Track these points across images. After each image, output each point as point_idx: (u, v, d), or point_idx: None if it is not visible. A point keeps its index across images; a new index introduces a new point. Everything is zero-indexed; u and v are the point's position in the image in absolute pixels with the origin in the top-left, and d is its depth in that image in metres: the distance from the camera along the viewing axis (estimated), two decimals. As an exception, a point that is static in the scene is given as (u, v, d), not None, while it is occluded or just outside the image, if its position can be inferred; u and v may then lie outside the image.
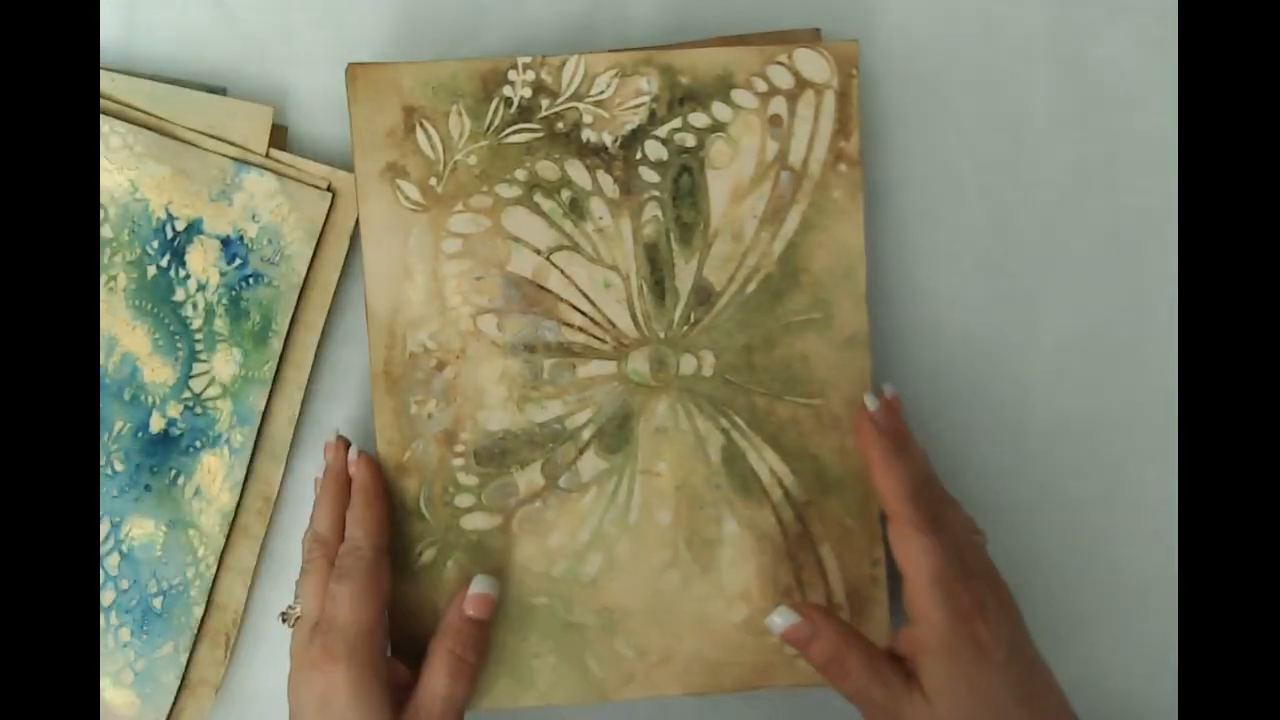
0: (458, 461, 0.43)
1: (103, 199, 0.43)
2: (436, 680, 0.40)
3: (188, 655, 0.44)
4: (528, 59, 0.42)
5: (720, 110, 0.43)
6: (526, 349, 0.43)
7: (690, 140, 0.43)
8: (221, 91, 0.46)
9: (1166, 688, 0.43)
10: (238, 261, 0.44)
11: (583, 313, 0.43)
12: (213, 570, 0.44)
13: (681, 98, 0.43)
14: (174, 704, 0.45)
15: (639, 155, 0.43)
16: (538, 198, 0.43)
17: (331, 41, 0.46)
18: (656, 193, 0.43)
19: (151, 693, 0.45)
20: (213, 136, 0.44)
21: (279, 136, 0.45)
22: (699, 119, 0.43)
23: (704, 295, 0.43)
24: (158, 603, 0.44)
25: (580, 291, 0.43)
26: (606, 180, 0.43)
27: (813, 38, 0.47)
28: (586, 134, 0.43)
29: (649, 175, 0.43)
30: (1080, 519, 0.47)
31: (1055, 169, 0.47)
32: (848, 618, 0.42)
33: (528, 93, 0.42)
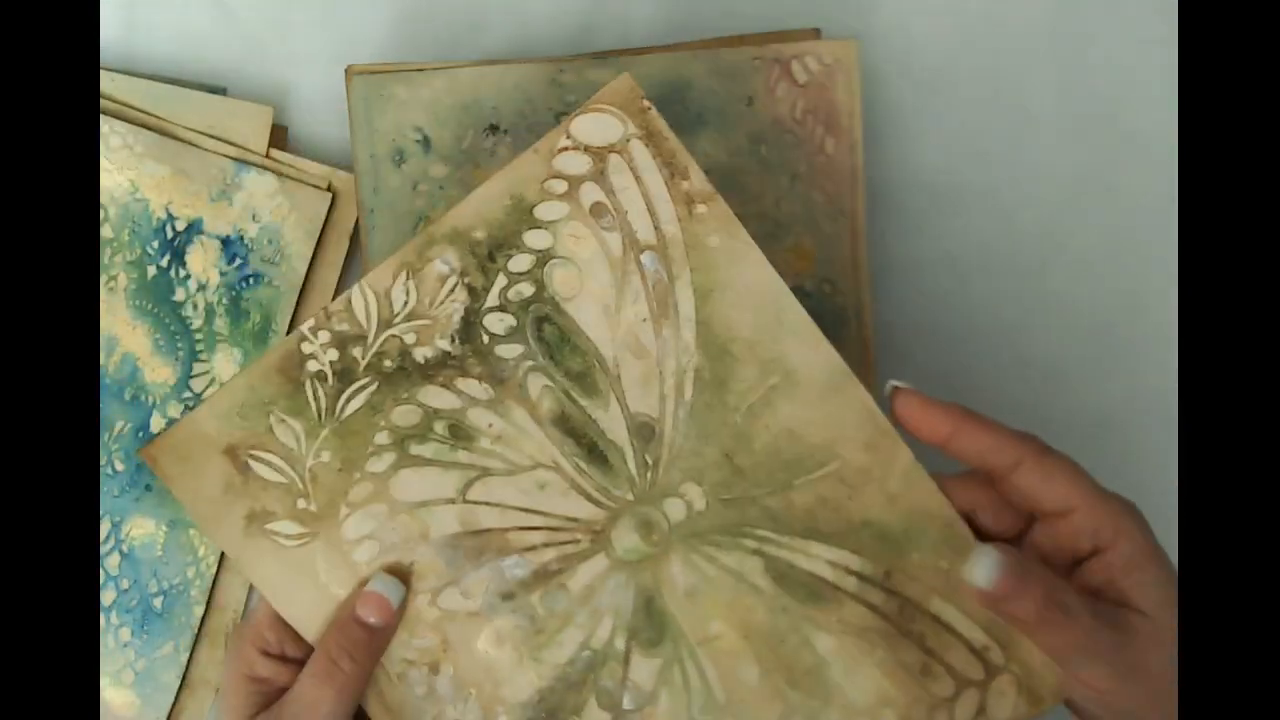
0: None
1: (103, 199, 0.43)
2: (303, 682, 0.35)
3: (188, 655, 0.44)
4: (311, 322, 0.37)
5: (536, 239, 0.37)
6: (505, 599, 0.37)
7: (527, 289, 0.37)
8: (221, 91, 0.46)
9: None
10: (238, 261, 0.44)
11: (536, 528, 0.37)
12: (213, 570, 0.44)
13: (489, 253, 0.37)
14: (174, 704, 0.45)
15: (485, 339, 0.37)
16: (414, 449, 0.37)
17: (331, 41, 0.46)
18: (529, 362, 0.37)
19: (152, 693, 0.45)
20: (213, 136, 0.44)
21: (279, 136, 0.45)
22: (520, 262, 0.37)
23: (646, 432, 0.37)
24: (158, 602, 0.44)
25: (520, 510, 0.37)
26: (471, 385, 0.37)
27: (813, 38, 0.47)
28: (419, 353, 0.37)
29: (509, 350, 0.37)
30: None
31: (1055, 169, 0.47)
32: (1001, 659, 0.36)
33: (334, 355, 0.37)
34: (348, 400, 0.37)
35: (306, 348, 0.37)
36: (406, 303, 0.37)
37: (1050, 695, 0.36)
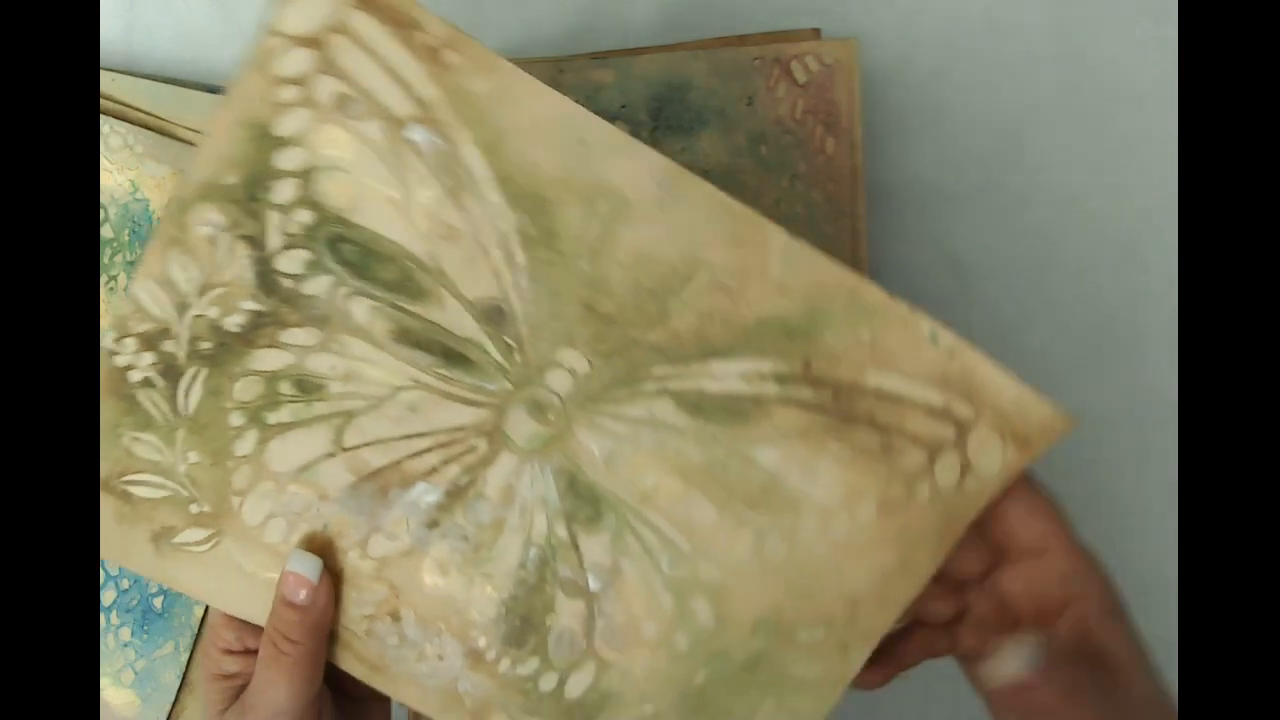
0: (516, 669, 0.36)
1: (103, 199, 0.43)
2: (256, 671, 0.35)
3: (188, 655, 0.44)
4: (112, 334, 0.34)
5: (289, 159, 0.33)
6: (431, 528, 0.36)
7: (305, 215, 0.34)
8: (221, 91, 0.46)
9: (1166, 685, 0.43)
10: (238, 261, 0.44)
11: (427, 449, 0.35)
12: (213, 570, 0.44)
13: (249, 194, 0.33)
14: (174, 704, 0.44)
15: (287, 283, 0.34)
16: (271, 418, 0.35)
17: (331, 41, 0.46)
18: (343, 289, 0.34)
19: (151, 693, 0.45)
20: (213, 136, 0.44)
21: (279, 136, 0.45)
22: (284, 191, 0.33)
23: (495, 314, 0.34)
24: (158, 602, 0.44)
25: (402, 439, 0.35)
26: (295, 335, 0.34)
27: (813, 38, 0.47)
28: (230, 324, 0.34)
29: (316, 286, 0.34)
30: (1080, 519, 0.47)
31: (1055, 169, 0.47)
32: (969, 411, 0.34)
33: (150, 358, 0.34)
34: (185, 395, 0.35)
35: (120, 360, 0.34)
36: (191, 279, 0.34)
37: (1041, 436, 0.33)
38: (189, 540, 0.35)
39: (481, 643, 0.36)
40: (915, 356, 0.34)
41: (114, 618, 0.44)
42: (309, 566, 0.35)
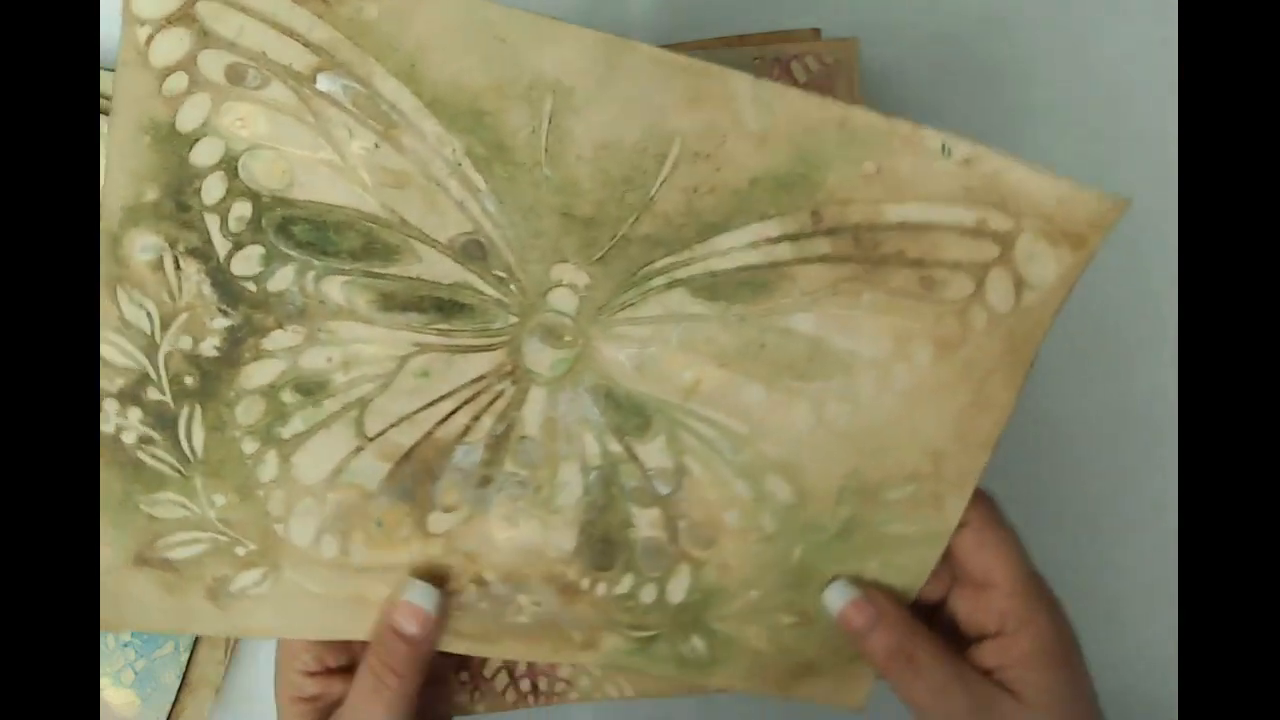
0: (613, 590, 0.35)
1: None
2: (352, 699, 0.33)
3: (188, 655, 0.43)
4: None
5: (206, 153, 0.31)
6: (484, 485, 0.34)
7: (243, 207, 0.31)
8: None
9: (1166, 688, 0.43)
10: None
11: (454, 410, 0.33)
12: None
13: (175, 204, 0.31)
14: (174, 704, 0.44)
15: (251, 286, 0.32)
16: (284, 432, 0.33)
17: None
18: (309, 274, 0.32)
19: (151, 693, 0.44)
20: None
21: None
22: (212, 188, 0.31)
23: (474, 249, 0.32)
24: (157, 602, 0.44)
25: (424, 408, 0.33)
26: (277, 338, 0.32)
27: (813, 38, 0.47)
28: (206, 349, 0.32)
29: (281, 280, 0.32)
30: (1080, 519, 0.47)
31: (1055, 168, 0.47)
32: (1008, 223, 0.31)
33: (137, 413, 0.32)
34: (188, 439, 0.32)
35: (107, 427, 0.32)
36: (149, 315, 0.31)
37: (1093, 229, 0.30)
38: (246, 584, 0.33)
39: (571, 575, 0.34)
40: (931, 176, 0.31)
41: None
42: (428, 599, 0.33)
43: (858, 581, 0.34)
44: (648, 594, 0.35)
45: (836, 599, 0.34)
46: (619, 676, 0.42)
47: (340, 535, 0.34)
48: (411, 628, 0.33)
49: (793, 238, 0.32)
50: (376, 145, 0.31)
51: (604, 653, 0.35)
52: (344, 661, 0.36)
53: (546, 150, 0.31)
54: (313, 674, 0.35)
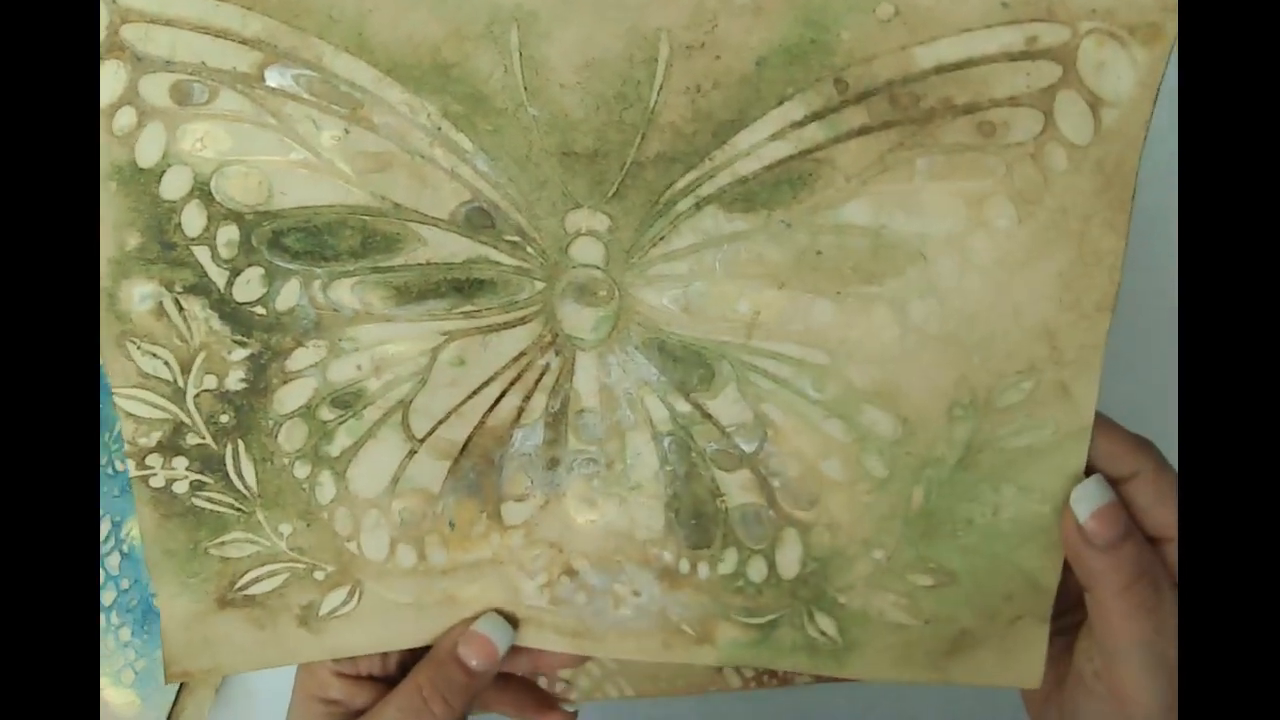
0: (717, 570, 0.32)
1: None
2: (390, 713, 0.32)
3: (188, 655, 0.44)
4: (131, 464, 0.32)
5: (175, 184, 0.30)
6: (552, 468, 0.32)
7: (230, 231, 0.30)
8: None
9: None
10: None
11: (502, 394, 0.32)
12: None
13: (161, 244, 0.30)
14: (174, 704, 0.44)
15: (260, 310, 0.31)
16: (332, 450, 0.32)
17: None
18: (316, 283, 0.31)
19: (151, 693, 0.44)
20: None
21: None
22: (192, 219, 0.30)
23: (480, 218, 0.30)
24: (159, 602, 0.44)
25: (469, 397, 0.32)
26: (300, 357, 0.31)
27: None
28: (233, 383, 0.31)
29: (288, 297, 0.31)
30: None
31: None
32: (1030, 1, 0.26)
33: (181, 461, 0.32)
34: (240, 477, 0.32)
35: (156, 482, 0.31)
36: (166, 363, 0.31)
37: (1165, 11, 0.26)
38: (335, 605, 0.33)
39: (668, 557, 0.32)
40: (959, 2, 0.27)
41: (114, 618, 0.44)
42: (500, 635, 0.32)
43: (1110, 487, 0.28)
44: (756, 570, 0.32)
45: (1084, 505, 0.28)
46: (619, 676, 0.40)
47: (414, 542, 0.32)
48: (476, 660, 0.32)
49: (820, 115, 0.28)
50: (347, 131, 0.29)
51: (722, 647, 0.32)
52: (377, 670, 0.34)
53: (525, 87, 0.28)
54: (342, 675, 0.34)
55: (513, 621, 0.34)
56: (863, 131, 0.28)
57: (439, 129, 0.29)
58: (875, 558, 0.31)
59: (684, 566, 0.32)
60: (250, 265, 0.30)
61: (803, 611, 0.31)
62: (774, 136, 0.28)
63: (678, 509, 0.31)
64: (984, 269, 0.29)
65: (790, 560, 0.31)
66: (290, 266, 0.30)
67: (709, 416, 0.31)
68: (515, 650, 0.33)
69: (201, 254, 0.30)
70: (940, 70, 0.27)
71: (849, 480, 0.30)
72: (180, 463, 0.32)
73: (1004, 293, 0.29)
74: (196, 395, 0.31)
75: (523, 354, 0.31)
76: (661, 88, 0.28)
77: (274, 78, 0.29)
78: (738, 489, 0.31)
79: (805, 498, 0.31)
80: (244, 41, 0.29)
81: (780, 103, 0.28)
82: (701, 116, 0.28)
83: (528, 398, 0.32)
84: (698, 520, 0.31)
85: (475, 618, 0.33)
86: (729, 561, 0.32)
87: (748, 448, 0.31)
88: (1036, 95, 0.27)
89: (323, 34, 0.28)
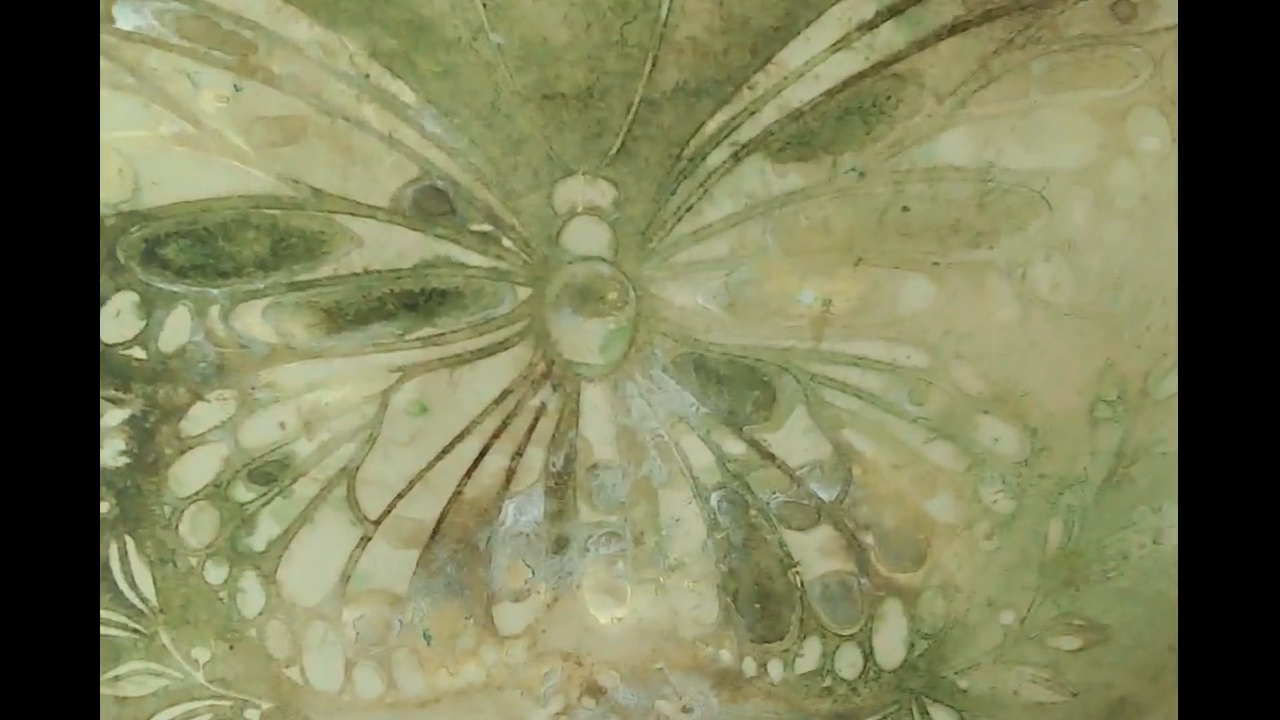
0: (795, 669, 0.26)
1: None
2: None
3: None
4: None
5: None
6: (559, 551, 0.25)
7: None
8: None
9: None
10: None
11: (484, 451, 0.24)
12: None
13: None
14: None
15: (135, 350, 0.23)
16: (253, 542, 0.25)
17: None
18: (214, 309, 0.23)
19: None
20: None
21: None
22: None
23: (430, 201, 0.22)
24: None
25: (435, 469, 0.24)
26: (198, 416, 0.24)
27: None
28: (106, 459, 0.24)
29: (174, 334, 0.23)
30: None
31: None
32: None
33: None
34: (129, 586, 0.25)
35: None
36: None
37: None
38: None
39: (727, 657, 0.25)
40: None
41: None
42: None
43: None
44: (848, 662, 0.25)
45: None
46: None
47: (378, 663, 0.25)
48: None
49: (898, 10, 0.20)
50: (236, 88, 0.21)
51: None
52: None
53: (485, 4, 0.20)
54: None
55: None
56: (957, 28, 0.21)
57: (367, 76, 0.21)
58: (1004, 623, 0.25)
59: (750, 667, 0.26)
60: (118, 290, 0.22)
61: (912, 707, 0.26)
62: (836, 46, 0.21)
63: (736, 591, 0.25)
64: (1129, 211, 0.22)
65: (893, 643, 0.25)
66: (174, 288, 0.22)
67: (771, 457, 0.24)
68: None
69: None
70: None
71: (965, 521, 0.24)
72: None
73: (1157, 241, 0.22)
74: None
75: (507, 392, 0.24)
76: None
77: (126, 15, 0.21)
78: (817, 554, 0.25)
79: (909, 555, 0.25)
80: None
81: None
82: (735, 25, 0.21)
83: (519, 454, 0.24)
84: (764, 604, 0.25)
85: None
86: (810, 655, 0.25)
87: (827, 495, 0.24)
88: None
89: None
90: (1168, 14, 0.21)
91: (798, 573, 0.25)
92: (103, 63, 0.21)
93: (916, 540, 0.24)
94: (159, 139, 0.21)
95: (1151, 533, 0.24)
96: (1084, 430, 0.24)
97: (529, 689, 0.26)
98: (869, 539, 0.25)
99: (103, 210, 0.22)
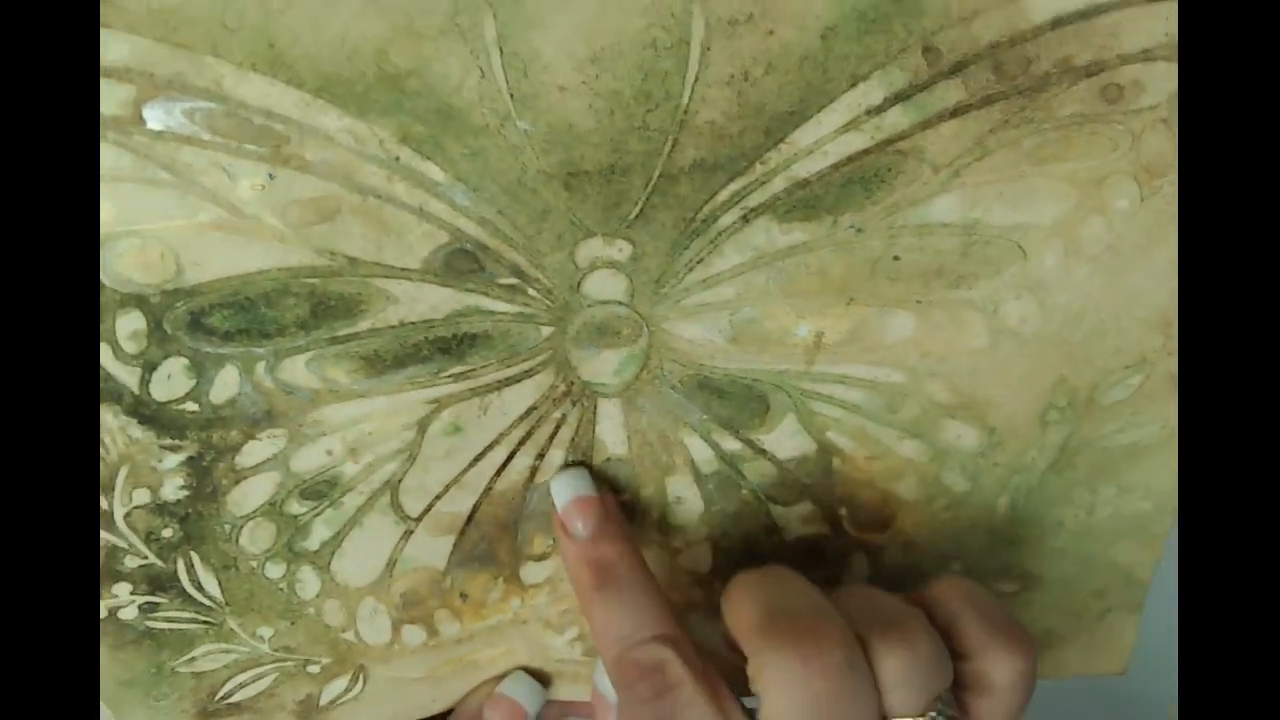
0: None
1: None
2: None
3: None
4: None
5: None
6: None
7: (136, 321, 0.24)
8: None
9: (1167, 687, 0.42)
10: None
11: (507, 460, 0.26)
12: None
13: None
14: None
15: (191, 406, 0.24)
16: (309, 545, 0.27)
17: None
18: (259, 365, 0.24)
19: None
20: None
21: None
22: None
23: (461, 263, 0.23)
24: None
25: (469, 471, 0.26)
26: (253, 451, 0.25)
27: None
28: (168, 494, 0.25)
29: (223, 386, 0.24)
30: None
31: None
32: None
33: (126, 588, 0.26)
34: (198, 588, 0.26)
35: (100, 613, 0.26)
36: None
37: None
38: (336, 694, 0.29)
39: (719, 587, 0.27)
40: None
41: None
42: (529, 696, 0.29)
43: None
44: None
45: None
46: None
47: (422, 621, 0.28)
48: None
49: (905, 96, 0.21)
50: (271, 176, 0.21)
51: None
52: None
53: (511, 95, 0.21)
54: None
55: (543, 679, 0.30)
56: (958, 111, 0.22)
57: (397, 159, 0.21)
58: (953, 570, 0.28)
59: None
60: (167, 357, 0.23)
61: None
62: (845, 128, 0.22)
63: (727, 547, 0.28)
64: (1094, 258, 0.24)
65: (858, 579, 0.29)
66: (221, 351, 0.23)
67: (762, 452, 0.26)
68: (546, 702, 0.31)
69: (102, 353, 0.23)
70: (1058, 23, 0.21)
71: (925, 498, 0.27)
72: (122, 589, 0.26)
73: (1116, 282, 0.24)
74: (127, 514, 0.25)
75: (533, 409, 0.26)
76: (697, 79, 0.21)
77: (155, 117, 0.21)
78: (797, 522, 0.28)
79: (877, 522, 0.28)
80: (108, 75, 0.20)
81: (854, 84, 0.21)
82: (751, 111, 0.21)
83: (541, 456, 0.26)
84: (749, 557, 0.28)
85: (501, 677, 0.30)
86: None
87: (809, 480, 0.27)
88: (1173, 39, 0.22)
89: (217, 49, 0.20)
90: (1152, 95, 0.22)
91: (779, 535, 0.28)
92: (136, 160, 0.21)
93: (884, 512, 0.27)
94: (197, 226, 0.22)
95: (1086, 507, 0.28)
96: (1035, 429, 0.26)
97: (550, 623, 0.29)
98: (843, 511, 0.27)
99: (147, 290, 0.22)
